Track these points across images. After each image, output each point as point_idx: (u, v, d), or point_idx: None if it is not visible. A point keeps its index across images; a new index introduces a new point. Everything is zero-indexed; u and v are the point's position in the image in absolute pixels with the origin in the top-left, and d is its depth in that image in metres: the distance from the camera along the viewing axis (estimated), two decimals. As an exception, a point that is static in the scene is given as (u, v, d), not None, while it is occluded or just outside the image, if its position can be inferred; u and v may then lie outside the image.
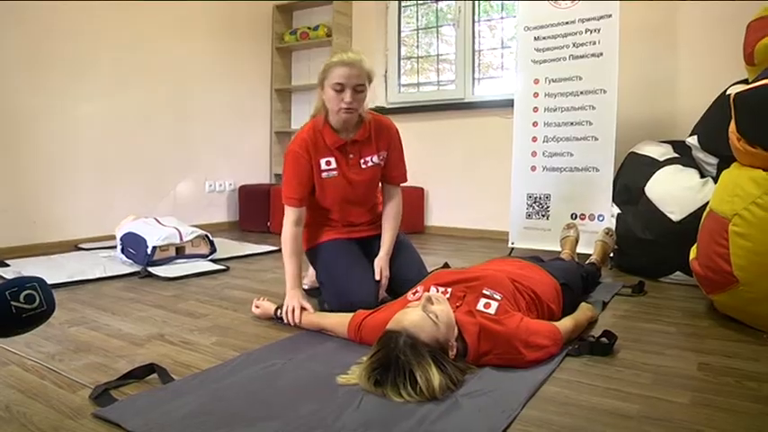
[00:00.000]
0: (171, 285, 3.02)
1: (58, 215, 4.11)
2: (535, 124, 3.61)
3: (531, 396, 1.54)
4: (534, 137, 3.61)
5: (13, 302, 0.92)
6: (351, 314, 2.08)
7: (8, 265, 3.43)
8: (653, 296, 2.70)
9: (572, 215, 3.48)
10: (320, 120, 2.33)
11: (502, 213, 4.01)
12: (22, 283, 0.95)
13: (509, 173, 3.70)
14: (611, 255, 3.11)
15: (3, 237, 3.80)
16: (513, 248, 3.74)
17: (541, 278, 2.08)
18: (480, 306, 1.81)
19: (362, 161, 2.39)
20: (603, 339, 1.91)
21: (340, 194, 2.40)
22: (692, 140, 3.01)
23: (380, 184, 2.56)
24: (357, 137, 2.34)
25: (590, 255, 3.01)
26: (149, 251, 3.34)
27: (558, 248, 3.14)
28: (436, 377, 1.49)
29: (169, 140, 4.80)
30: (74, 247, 4.08)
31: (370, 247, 2.53)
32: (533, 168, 3.63)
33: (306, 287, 2.68)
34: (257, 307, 2.39)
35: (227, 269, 3.42)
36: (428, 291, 1.87)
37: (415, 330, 1.57)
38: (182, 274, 3.19)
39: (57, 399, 1.60)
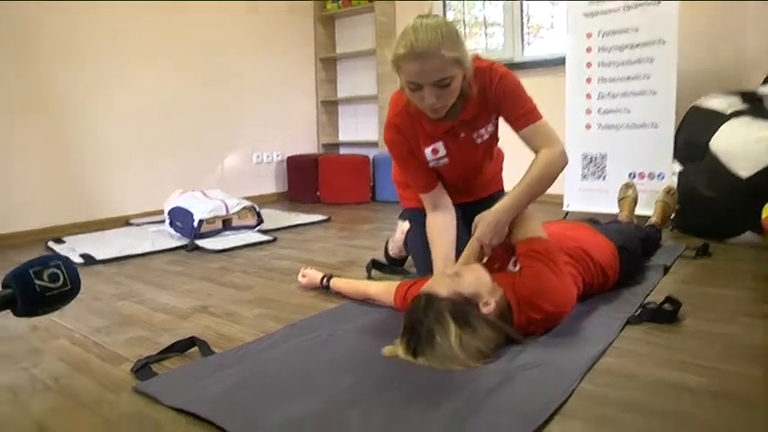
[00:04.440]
0: (217, 258, 3.01)
1: (110, 192, 4.17)
2: (589, 81, 3.42)
3: (589, 369, 1.44)
4: (588, 94, 3.42)
5: (36, 281, 0.88)
6: (396, 282, 2.01)
7: (64, 242, 3.51)
8: (719, 259, 2.52)
9: (630, 175, 3.29)
10: (412, 103, 1.79)
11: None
12: (47, 261, 0.91)
13: (563, 133, 3.52)
14: (673, 216, 2.93)
15: (59, 215, 3.88)
16: (568, 212, 3.59)
17: (595, 240, 1.95)
18: (510, 266, 1.75)
19: (476, 135, 1.91)
20: (667, 306, 1.78)
21: (454, 177, 2.02)
22: (766, 89, 2.78)
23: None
24: (465, 116, 1.83)
25: (649, 216, 2.84)
26: (196, 224, 3.34)
27: (616, 210, 2.97)
28: (453, 332, 1.42)
29: (214, 114, 4.79)
30: (125, 222, 4.14)
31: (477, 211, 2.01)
32: (588, 127, 3.44)
33: (391, 253, 2.61)
34: (303, 276, 2.34)
35: (275, 240, 3.39)
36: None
37: (435, 289, 1.52)
38: (228, 246, 3.18)
39: (100, 372, 1.59)
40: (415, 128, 1.87)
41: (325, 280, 2.23)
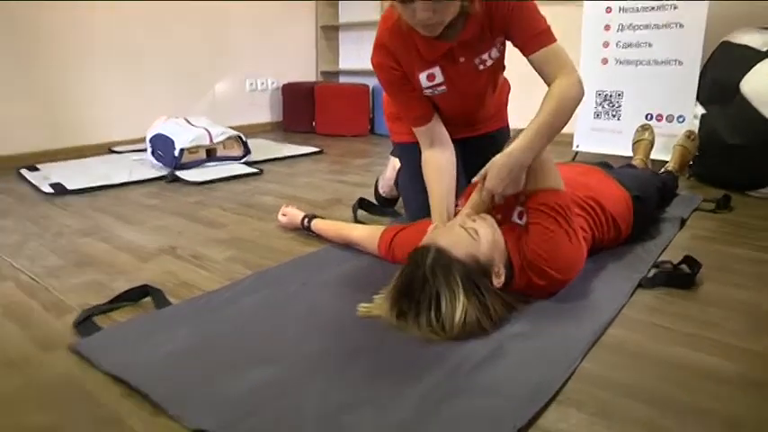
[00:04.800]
0: (197, 190, 2.80)
1: (92, 118, 3.91)
2: (609, 10, 3.10)
3: (592, 345, 1.24)
4: (607, 25, 3.10)
5: None
6: (382, 227, 1.80)
7: (38, 170, 3.30)
8: (741, 213, 2.29)
9: (647, 116, 3.02)
10: (404, 19, 1.47)
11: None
12: None
13: (577, 66, 3.23)
14: (690, 163, 2.69)
15: (35, 141, 3.65)
16: (577, 152, 3.34)
17: (609, 188, 1.72)
18: (515, 216, 1.51)
19: (478, 61, 1.61)
20: (683, 267, 1.58)
21: (452, 109, 1.75)
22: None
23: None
24: (466, 36, 1.52)
25: (666, 162, 2.61)
26: (177, 154, 3.11)
27: (630, 154, 2.73)
28: (460, 306, 1.21)
29: (205, 37, 4.45)
30: (108, 150, 3.91)
31: (479, 148, 1.83)
32: (605, 61, 3.14)
33: (382, 192, 2.38)
34: (284, 215, 2.13)
35: (261, 173, 3.17)
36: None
37: (447, 244, 1.27)
38: (209, 178, 2.96)
39: (39, 323, 1.41)
40: (408, 49, 1.57)
41: (306, 220, 2.02)
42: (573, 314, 1.35)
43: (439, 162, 1.69)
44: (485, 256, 1.29)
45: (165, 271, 1.75)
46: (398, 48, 1.57)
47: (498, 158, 1.43)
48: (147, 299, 1.51)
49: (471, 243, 1.29)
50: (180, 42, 4.30)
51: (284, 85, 4.99)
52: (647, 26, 2.97)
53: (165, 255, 1.89)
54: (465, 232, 1.31)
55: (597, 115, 3.21)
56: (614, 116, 3.14)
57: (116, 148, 3.91)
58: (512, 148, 1.42)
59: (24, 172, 3.22)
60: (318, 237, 1.98)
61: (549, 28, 1.51)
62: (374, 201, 2.37)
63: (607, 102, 3.16)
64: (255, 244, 1.98)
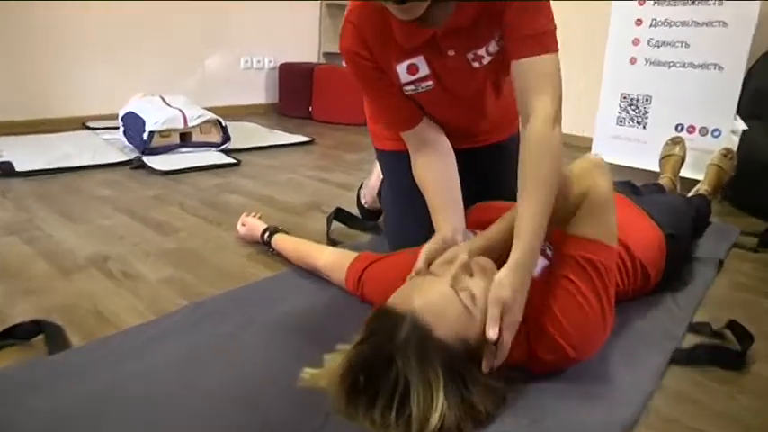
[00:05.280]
0: (160, 181, 2.46)
1: (65, 90, 3.59)
2: (641, 2, 2.73)
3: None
4: (639, 19, 2.73)
5: None
6: (353, 254, 1.46)
7: (-5, 143, 2.97)
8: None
9: (677, 126, 2.66)
10: None
11: (586, 115, 3.19)
12: None
13: (600, 65, 2.87)
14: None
15: (5, 110, 3.33)
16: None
17: (639, 227, 1.37)
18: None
19: (472, 56, 1.23)
20: (727, 335, 1.24)
21: (445, 114, 1.36)
22: None
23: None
24: (455, 23, 1.15)
25: (696, 181, 2.25)
26: (146, 137, 2.77)
27: (654, 168, 2.38)
28: (439, 408, 0.86)
29: (198, 7, 4.07)
30: (81, 125, 3.57)
31: (485, 159, 1.54)
32: (633, 61, 2.77)
33: (364, 203, 2.01)
34: (243, 225, 1.80)
35: (238, 164, 2.83)
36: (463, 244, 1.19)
37: (431, 317, 0.92)
38: (177, 167, 2.62)
39: None
40: (382, 33, 1.19)
41: (266, 235, 1.68)
42: (581, 405, 1.01)
43: (436, 167, 1.33)
44: (477, 335, 0.95)
45: (83, 292, 1.42)
46: (369, 30, 1.19)
47: (499, 289, 0.99)
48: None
49: (464, 318, 0.94)
50: (169, 12, 3.94)
51: (281, 65, 4.63)
52: (685, 23, 2.60)
53: (93, 268, 1.57)
54: (457, 299, 0.95)
55: (620, 121, 2.85)
56: (639, 124, 2.78)
57: (90, 124, 3.57)
58: (509, 271, 1.00)
59: (-21, 146, 2.90)
60: (280, 256, 1.64)
61: (553, 31, 1.12)
62: (355, 210, 2.02)
63: (632, 107, 2.79)
64: (204, 261, 1.64)
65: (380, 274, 1.34)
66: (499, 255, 1.10)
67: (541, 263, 1.13)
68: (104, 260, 1.62)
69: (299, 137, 3.56)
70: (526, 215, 1.03)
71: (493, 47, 1.21)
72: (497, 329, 0.94)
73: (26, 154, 2.74)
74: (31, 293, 1.41)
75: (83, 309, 1.33)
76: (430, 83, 1.26)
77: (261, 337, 1.20)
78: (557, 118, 1.09)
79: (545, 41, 1.10)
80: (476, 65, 1.24)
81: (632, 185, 1.89)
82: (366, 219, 1.98)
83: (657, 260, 1.37)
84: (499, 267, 1.01)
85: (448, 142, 1.36)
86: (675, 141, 2.35)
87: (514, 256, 1.01)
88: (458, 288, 0.96)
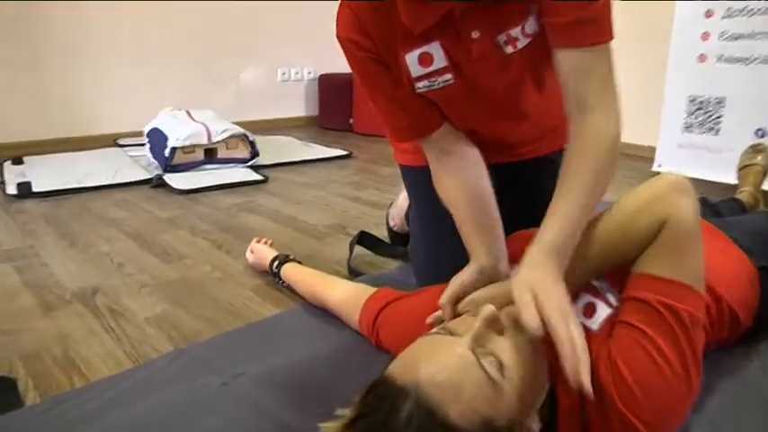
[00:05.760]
0: (178, 201, 2.29)
1: (97, 107, 3.53)
2: (711, -9, 2.41)
3: None
4: (709, 10, 2.40)
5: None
6: (370, 289, 1.22)
7: (22, 163, 2.90)
8: None
9: (758, 131, 2.31)
10: None
11: (648, 121, 2.85)
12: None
13: (663, 63, 2.56)
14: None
15: (37, 128, 3.30)
16: (658, 173, 2.66)
17: (725, 260, 1.07)
18: (578, 312, 0.87)
19: (503, 39, 0.94)
20: None
21: (470, 119, 1.10)
22: None
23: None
24: None
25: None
26: (167, 153, 2.62)
27: (731, 180, 2.07)
28: None
29: (231, 18, 3.95)
30: (113, 142, 3.47)
31: (528, 177, 1.28)
32: (702, 58, 2.44)
33: (393, 225, 1.76)
34: (252, 252, 1.59)
35: (265, 180, 2.64)
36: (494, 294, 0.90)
37: (441, 392, 0.66)
38: (197, 186, 2.44)
39: None
40: (387, 15, 0.92)
41: (275, 264, 1.46)
42: None
43: (463, 179, 1.07)
44: (507, 415, 0.70)
45: (59, 333, 1.24)
46: (369, 12, 0.95)
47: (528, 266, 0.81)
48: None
49: (487, 392, 0.68)
50: (202, 23, 3.83)
51: (321, 76, 4.46)
52: (764, 11, 2.26)
53: (79, 303, 1.39)
54: (478, 366, 0.69)
55: (688, 128, 2.52)
56: (711, 130, 2.45)
57: (121, 141, 3.47)
58: (545, 244, 0.82)
59: (7, 165, 2.82)
60: (290, 289, 1.42)
61: (608, 16, 0.86)
62: (384, 233, 1.79)
63: (702, 111, 2.46)
64: (203, 294, 1.44)
65: (399, 317, 1.10)
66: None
67: (603, 311, 0.87)
68: (93, 293, 1.44)
69: (336, 150, 3.36)
70: (564, 198, 0.85)
71: (531, 25, 0.93)
72: (536, 316, 0.72)
73: (48, 174, 2.65)
74: (3, 335, 1.23)
75: (52, 355, 1.15)
76: (448, 77, 0.99)
77: (247, 396, 0.98)
78: (618, 119, 0.88)
79: (594, 28, 0.85)
80: (509, 50, 0.96)
81: (710, 203, 1.59)
82: (395, 243, 1.74)
83: (748, 300, 1.07)
84: None
85: (476, 150, 1.11)
86: (757, 150, 2.03)
87: (547, 236, 0.82)
88: (480, 352, 0.71)
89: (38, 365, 1.11)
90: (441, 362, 0.70)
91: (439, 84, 0.99)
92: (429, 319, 0.92)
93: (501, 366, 0.70)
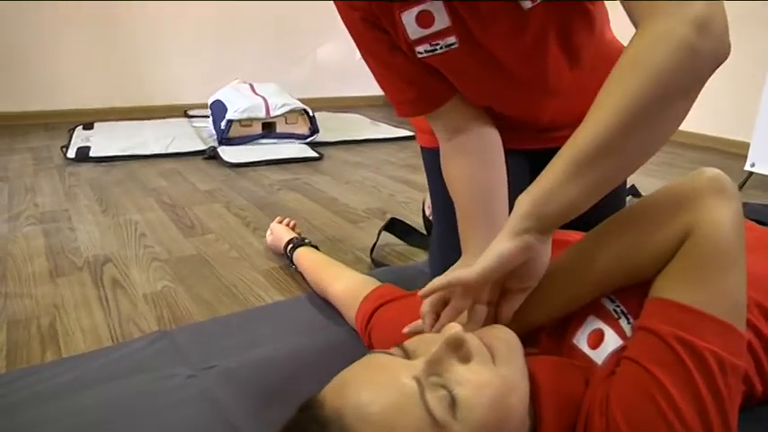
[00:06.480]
0: (221, 174, 2.25)
1: (167, 78, 3.57)
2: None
3: None
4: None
5: None
6: (373, 285, 1.09)
7: (91, 128, 2.98)
8: None
9: None
10: None
11: (742, 113, 2.53)
12: None
13: (762, 45, 2.24)
14: None
15: (107, 96, 3.39)
16: (750, 174, 2.32)
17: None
18: (581, 340, 0.71)
19: None
20: None
21: (480, 87, 0.95)
22: None
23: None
24: None
25: None
26: (224, 125, 2.58)
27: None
28: None
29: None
30: (183, 113, 3.50)
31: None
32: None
33: (428, 212, 1.64)
34: (271, 232, 1.50)
35: (320, 158, 2.55)
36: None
37: (367, 429, 0.53)
38: (248, 159, 2.39)
39: None
40: None
41: (289, 247, 1.36)
42: None
43: (470, 161, 0.95)
44: None
45: (56, 302, 1.20)
46: None
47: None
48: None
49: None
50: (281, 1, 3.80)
51: (401, 54, 4.33)
52: None
53: (87, 271, 1.35)
54: (420, 403, 0.54)
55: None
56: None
57: (192, 112, 3.50)
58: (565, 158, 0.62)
59: (78, 130, 2.90)
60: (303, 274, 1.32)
61: None
62: (418, 221, 1.66)
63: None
64: (212, 273, 1.36)
65: (392, 319, 0.96)
66: (548, 317, 0.71)
67: (611, 342, 0.69)
68: (104, 263, 1.39)
69: (403, 131, 3.24)
70: (582, 127, 0.61)
71: None
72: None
73: (110, 140, 2.68)
74: (4, 297, 1.21)
75: (38, 325, 1.10)
76: (452, 39, 0.84)
77: (208, 391, 0.88)
78: (699, 22, 0.59)
79: None
80: (527, 4, 0.79)
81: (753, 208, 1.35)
82: (430, 234, 1.61)
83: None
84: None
85: (496, 132, 0.95)
86: None
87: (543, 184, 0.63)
88: (431, 383, 0.57)
89: (21, 334, 1.07)
90: (377, 391, 0.56)
91: (442, 48, 0.85)
92: (406, 329, 0.78)
93: (453, 404, 0.55)
